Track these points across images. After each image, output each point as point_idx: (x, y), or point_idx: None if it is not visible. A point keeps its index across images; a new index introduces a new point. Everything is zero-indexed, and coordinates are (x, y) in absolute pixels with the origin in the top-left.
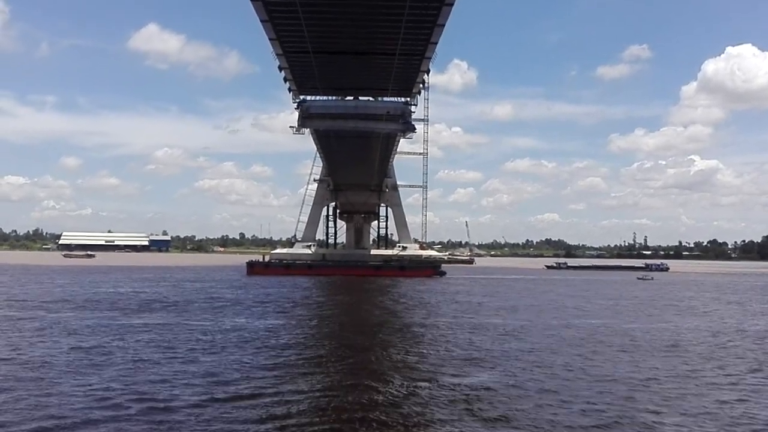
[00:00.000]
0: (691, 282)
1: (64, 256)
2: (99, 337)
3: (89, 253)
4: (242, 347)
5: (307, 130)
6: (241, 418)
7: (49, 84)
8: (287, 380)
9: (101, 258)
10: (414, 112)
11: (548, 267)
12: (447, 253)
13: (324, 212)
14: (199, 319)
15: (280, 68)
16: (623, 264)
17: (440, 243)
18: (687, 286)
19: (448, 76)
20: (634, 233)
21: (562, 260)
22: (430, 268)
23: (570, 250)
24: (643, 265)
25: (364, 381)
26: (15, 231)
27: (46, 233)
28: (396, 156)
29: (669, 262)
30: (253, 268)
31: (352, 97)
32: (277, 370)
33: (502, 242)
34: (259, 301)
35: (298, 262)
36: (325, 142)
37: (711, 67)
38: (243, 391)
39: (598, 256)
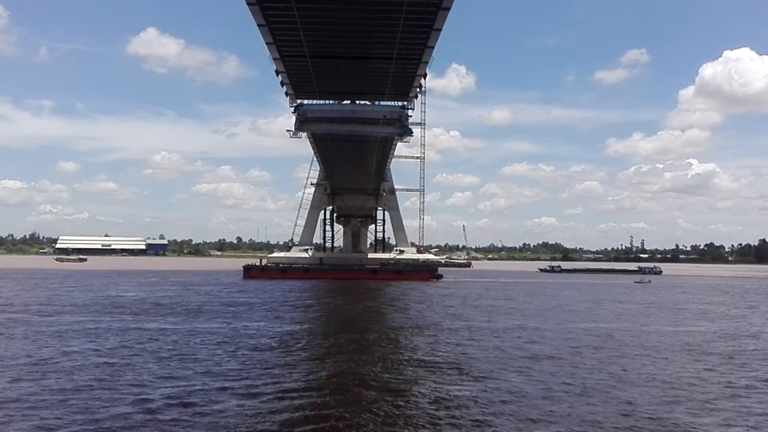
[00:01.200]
0: (690, 285)
1: (56, 260)
2: (88, 339)
3: (81, 257)
4: (233, 350)
5: (304, 134)
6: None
7: (46, 88)
8: (284, 380)
9: (95, 262)
10: (411, 116)
11: (542, 270)
12: (444, 257)
13: (321, 216)
14: (191, 322)
15: (277, 72)
16: (616, 267)
17: (437, 247)
18: (687, 290)
19: (446, 80)
20: (631, 237)
21: (555, 263)
22: (426, 272)
23: (567, 254)
24: (636, 269)
25: (354, 383)
26: (12, 235)
27: (43, 237)
28: (393, 160)
29: (665, 266)
30: (249, 272)
31: (349, 101)
32: (271, 371)
33: (499, 246)
34: (252, 305)
35: (294, 265)
36: (323, 146)
37: (708, 71)
38: (247, 390)
39: (595, 260)
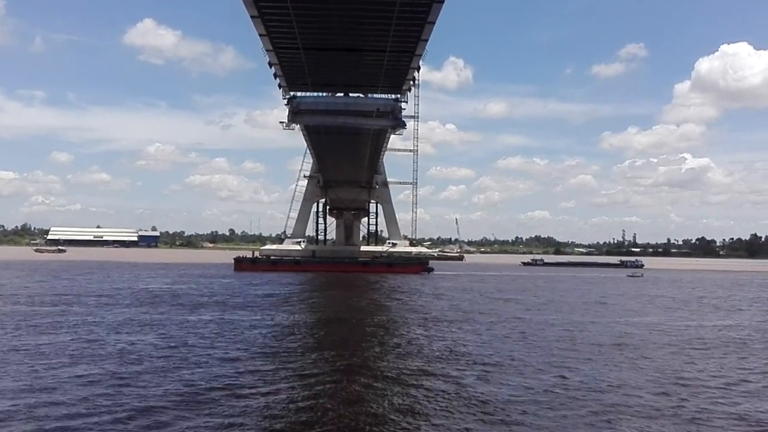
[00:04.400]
0: (677, 279)
1: (35, 251)
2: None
3: (60, 248)
4: (207, 345)
5: (297, 126)
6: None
7: (40, 79)
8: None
9: (80, 254)
10: (404, 108)
11: (524, 263)
12: (437, 250)
13: (314, 208)
14: (180, 315)
15: (270, 64)
16: (598, 261)
17: (430, 240)
18: (683, 284)
19: (444, 73)
20: (623, 231)
21: (538, 257)
22: (417, 265)
23: (559, 247)
24: (618, 262)
25: (334, 381)
26: (3, 226)
27: (35, 228)
28: (387, 153)
29: (656, 260)
30: (240, 264)
31: (342, 94)
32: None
33: (492, 239)
34: (231, 298)
35: (286, 258)
36: (315, 138)
37: (704, 65)
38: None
39: (587, 254)
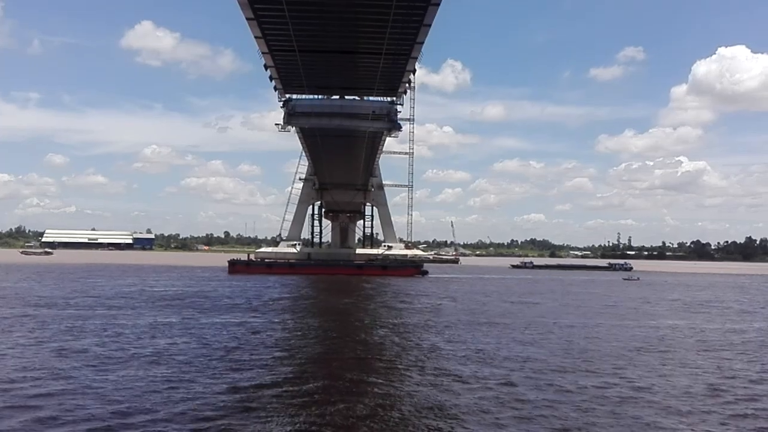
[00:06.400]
0: (679, 283)
1: (22, 252)
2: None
3: (47, 250)
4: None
5: (293, 129)
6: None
7: (36, 81)
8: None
9: (67, 256)
10: (400, 111)
11: (513, 266)
12: (432, 253)
13: (309, 211)
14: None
15: (266, 67)
16: (588, 264)
17: (426, 242)
18: (681, 287)
19: (442, 76)
20: (618, 234)
21: (527, 260)
22: (412, 268)
23: (554, 250)
24: (607, 265)
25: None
26: None
27: (29, 231)
28: (383, 155)
29: (649, 263)
30: (234, 266)
31: (338, 96)
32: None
33: (487, 242)
34: (229, 301)
35: (280, 261)
36: (311, 141)
37: (701, 68)
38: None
39: (582, 257)
